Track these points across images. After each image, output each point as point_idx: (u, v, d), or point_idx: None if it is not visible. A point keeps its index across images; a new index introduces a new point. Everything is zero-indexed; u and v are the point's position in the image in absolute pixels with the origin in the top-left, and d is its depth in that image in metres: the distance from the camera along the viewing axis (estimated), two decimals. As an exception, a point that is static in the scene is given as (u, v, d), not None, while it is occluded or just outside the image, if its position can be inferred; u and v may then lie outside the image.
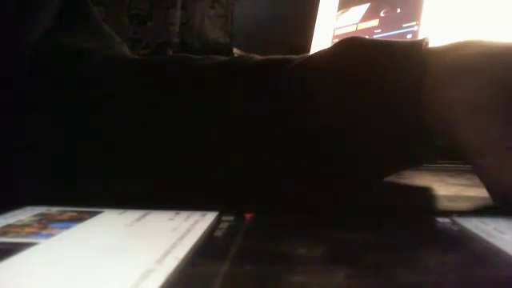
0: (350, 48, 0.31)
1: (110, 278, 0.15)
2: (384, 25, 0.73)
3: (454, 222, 0.22)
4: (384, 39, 0.31)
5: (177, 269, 0.15)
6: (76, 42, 0.36)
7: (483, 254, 0.18)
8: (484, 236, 0.20)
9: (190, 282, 0.15)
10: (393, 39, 0.31)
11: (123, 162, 0.32)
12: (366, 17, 0.76)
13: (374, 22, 0.74)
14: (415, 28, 0.66)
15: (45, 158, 0.32)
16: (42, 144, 0.32)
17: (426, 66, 0.27)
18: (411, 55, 0.28)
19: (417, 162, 0.33)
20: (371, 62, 0.29)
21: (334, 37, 0.81)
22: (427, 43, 0.29)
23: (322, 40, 0.83)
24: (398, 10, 0.70)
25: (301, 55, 0.33)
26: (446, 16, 0.62)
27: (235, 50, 1.08)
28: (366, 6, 0.77)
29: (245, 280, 0.15)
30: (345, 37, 0.32)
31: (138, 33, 1.08)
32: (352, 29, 0.78)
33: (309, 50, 0.85)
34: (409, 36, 0.67)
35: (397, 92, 0.28)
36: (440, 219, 0.23)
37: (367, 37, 0.38)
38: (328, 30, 0.83)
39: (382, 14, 0.73)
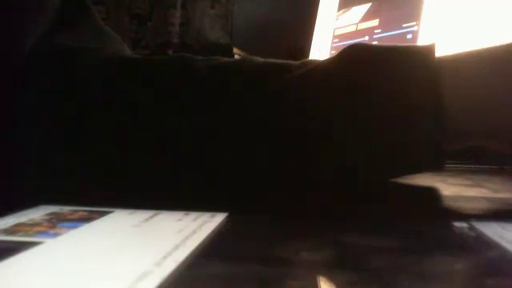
0: (356, 55, 0.31)
1: (105, 279, 0.15)
2: (384, 25, 0.73)
3: (471, 227, 0.21)
4: (388, 45, 0.31)
5: (175, 271, 0.15)
6: (76, 43, 0.36)
7: (501, 262, 0.17)
8: (503, 243, 0.18)
9: (185, 285, 0.14)
10: (401, 44, 0.31)
11: (122, 162, 0.32)
12: (366, 17, 0.76)
13: (374, 22, 0.74)
14: (415, 28, 0.67)
15: (45, 159, 0.32)
16: (42, 144, 0.32)
17: (442, 72, 0.28)
18: (427, 61, 0.28)
19: (427, 168, 0.33)
20: (383, 68, 0.29)
21: (334, 37, 0.82)
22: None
23: (321, 40, 0.84)
24: (398, 10, 0.71)
25: (302, 61, 0.33)
26: (446, 16, 0.62)
27: (235, 50, 1.08)
28: (366, 6, 0.77)
29: (240, 283, 0.15)
30: (345, 37, 0.32)
31: (138, 33, 1.08)
32: (352, 29, 0.78)
33: (309, 50, 0.85)
34: (409, 36, 0.67)
35: (412, 98, 0.28)
36: (457, 223, 0.21)
37: (373, 43, 0.38)
38: (328, 30, 0.83)
39: (381, 14, 0.74)
